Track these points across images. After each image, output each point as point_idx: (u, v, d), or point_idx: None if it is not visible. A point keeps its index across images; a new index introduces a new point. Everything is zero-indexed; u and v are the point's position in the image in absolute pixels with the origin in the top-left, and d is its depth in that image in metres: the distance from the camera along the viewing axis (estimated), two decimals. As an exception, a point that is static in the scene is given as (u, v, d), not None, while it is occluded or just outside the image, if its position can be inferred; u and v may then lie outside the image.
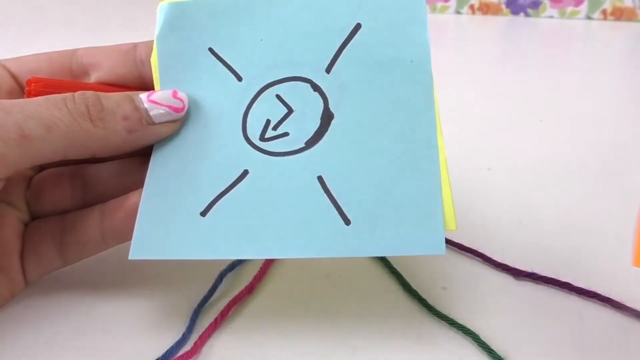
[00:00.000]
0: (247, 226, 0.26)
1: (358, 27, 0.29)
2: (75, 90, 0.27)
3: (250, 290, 0.30)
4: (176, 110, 0.28)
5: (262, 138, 0.28)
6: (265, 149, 0.28)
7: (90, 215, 0.29)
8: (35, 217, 0.30)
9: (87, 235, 0.29)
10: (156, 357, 0.26)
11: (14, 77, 0.30)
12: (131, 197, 0.28)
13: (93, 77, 0.31)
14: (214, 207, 0.27)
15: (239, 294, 0.30)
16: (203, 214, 0.27)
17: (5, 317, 0.29)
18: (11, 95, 0.30)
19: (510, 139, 0.50)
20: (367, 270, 0.32)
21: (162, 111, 0.28)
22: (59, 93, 0.28)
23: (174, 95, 0.28)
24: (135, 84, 0.31)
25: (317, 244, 0.25)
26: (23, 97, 0.29)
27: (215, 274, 0.31)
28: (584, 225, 0.36)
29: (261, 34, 0.29)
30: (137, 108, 0.27)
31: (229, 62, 0.29)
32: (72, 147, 0.26)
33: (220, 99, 0.29)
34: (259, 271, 0.31)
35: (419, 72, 0.28)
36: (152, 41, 0.30)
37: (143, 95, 0.28)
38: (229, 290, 0.31)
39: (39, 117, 0.25)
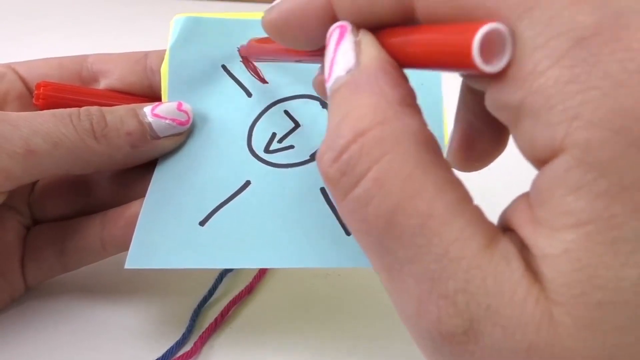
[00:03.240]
0: (246, 235, 0.26)
1: None
2: (83, 96, 0.28)
3: (250, 290, 0.31)
4: (180, 123, 0.28)
5: (267, 150, 0.28)
6: (269, 160, 0.28)
7: (91, 223, 0.29)
8: (37, 222, 0.30)
9: (87, 243, 0.29)
10: (156, 357, 0.27)
11: (23, 81, 0.30)
12: (132, 207, 0.28)
13: (102, 84, 0.31)
14: (214, 216, 0.27)
15: (239, 294, 0.30)
16: (202, 223, 0.26)
17: (5, 321, 0.29)
18: (20, 99, 0.30)
19: (510, 138, 0.50)
20: (367, 270, 0.32)
21: (166, 125, 0.28)
22: (68, 98, 0.28)
23: (179, 107, 0.28)
24: (144, 92, 0.31)
25: (317, 254, 0.25)
26: (32, 101, 0.29)
27: (215, 274, 0.31)
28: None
29: None
30: (140, 123, 0.27)
31: (240, 80, 0.30)
32: (76, 163, 0.26)
33: (227, 113, 0.29)
34: (259, 271, 0.32)
35: (429, 94, 0.28)
36: (163, 51, 0.30)
37: (147, 109, 0.28)
38: (229, 290, 0.31)
39: (45, 133, 0.25)
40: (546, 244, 0.14)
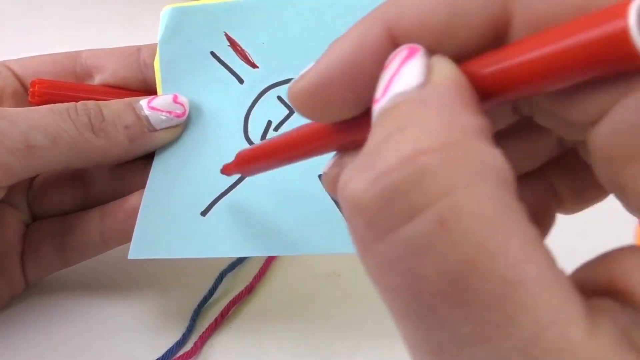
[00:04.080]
0: (248, 225, 0.26)
1: None
2: (78, 92, 0.27)
3: (250, 290, 0.30)
4: (177, 115, 0.28)
5: (264, 139, 0.28)
6: None
7: (90, 217, 0.29)
8: (36, 218, 0.30)
9: (87, 237, 0.29)
10: (156, 357, 0.26)
11: (18, 78, 0.30)
12: (131, 199, 0.28)
13: (97, 80, 0.31)
14: (215, 206, 0.27)
15: (239, 294, 0.30)
16: (203, 213, 0.27)
17: (5, 318, 0.29)
18: (15, 96, 0.30)
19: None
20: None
21: (163, 117, 0.28)
22: (63, 94, 0.28)
23: (175, 100, 0.28)
24: (138, 86, 0.31)
25: (318, 240, 0.25)
26: (27, 98, 0.29)
27: (215, 274, 0.31)
28: (584, 225, 0.36)
29: (262, 37, 0.29)
30: (138, 116, 0.27)
31: (230, 66, 0.29)
32: (75, 158, 0.26)
33: (222, 102, 0.29)
34: (259, 271, 0.31)
35: None
36: (156, 44, 0.30)
37: (144, 102, 0.28)
38: (229, 290, 0.31)
39: (44, 128, 0.25)
40: None
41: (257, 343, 0.28)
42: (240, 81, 0.29)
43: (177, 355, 0.27)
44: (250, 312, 0.30)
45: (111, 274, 0.32)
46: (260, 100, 0.29)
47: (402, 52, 0.13)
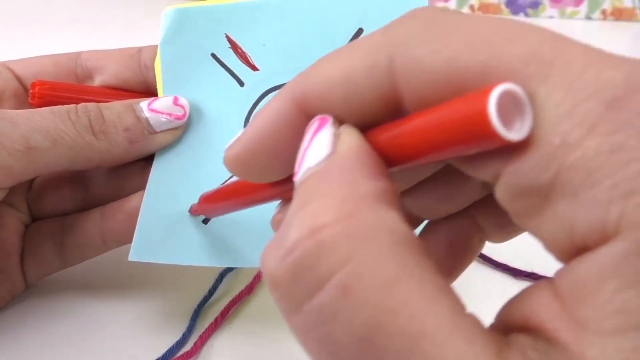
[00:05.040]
0: (249, 235, 0.26)
1: (360, 32, 0.28)
2: (79, 94, 0.28)
3: (250, 290, 0.30)
4: (177, 117, 0.28)
5: None
6: None
7: (90, 217, 0.29)
8: (35, 218, 0.30)
9: (87, 237, 0.29)
10: (156, 357, 0.26)
11: (19, 79, 0.30)
12: (131, 200, 0.28)
13: (97, 81, 0.31)
14: None
15: (239, 294, 0.30)
16: (205, 221, 0.27)
17: (5, 318, 0.29)
18: (16, 97, 0.30)
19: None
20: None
21: (163, 119, 0.28)
22: (63, 96, 0.28)
23: (175, 102, 0.28)
24: (139, 88, 0.31)
25: None
26: (28, 99, 0.29)
27: (215, 274, 0.31)
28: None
29: (263, 40, 0.29)
30: (138, 118, 0.27)
31: (231, 68, 0.29)
32: (76, 160, 0.26)
33: (222, 104, 0.29)
34: (259, 271, 0.31)
35: None
36: (157, 46, 0.30)
37: (144, 104, 0.28)
38: (229, 290, 0.31)
39: (45, 130, 0.25)
40: (597, 352, 0.11)
41: (257, 343, 0.28)
42: (241, 84, 0.29)
43: (177, 355, 0.27)
44: (250, 312, 0.30)
45: (111, 274, 0.32)
46: (261, 103, 0.29)
47: (314, 123, 0.15)
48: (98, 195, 0.30)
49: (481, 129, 0.12)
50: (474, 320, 0.12)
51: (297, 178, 0.14)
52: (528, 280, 0.31)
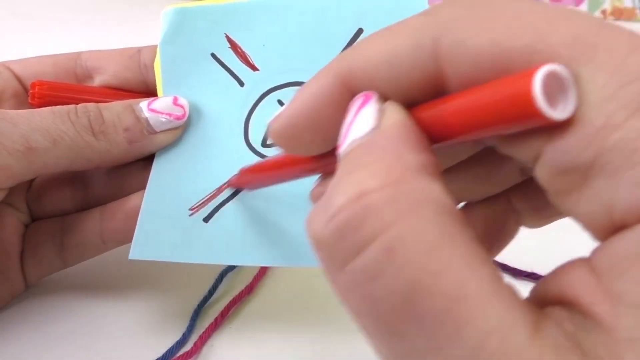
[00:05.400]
0: (250, 233, 0.26)
1: (360, 32, 0.28)
2: (78, 94, 0.28)
3: (250, 290, 0.30)
4: (177, 117, 0.28)
5: (264, 144, 0.28)
6: (268, 155, 0.28)
7: (90, 217, 0.29)
8: (35, 218, 0.30)
9: (86, 237, 0.29)
10: (156, 357, 0.26)
11: (18, 79, 0.30)
12: (131, 200, 0.28)
13: (97, 81, 0.31)
14: (217, 213, 0.27)
15: (239, 294, 0.30)
16: (206, 220, 0.27)
17: (5, 318, 0.29)
18: (16, 97, 0.30)
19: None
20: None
21: (163, 119, 0.28)
22: (63, 96, 0.28)
23: (175, 102, 0.28)
24: (139, 88, 0.31)
25: None
26: (28, 99, 0.29)
27: (215, 274, 0.31)
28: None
29: (263, 40, 0.29)
30: (137, 118, 0.27)
31: (231, 68, 0.29)
32: (76, 160, 0.26)
33: (222, 105, 0.29)
34: (259, 271, 0.32)
35: None
36: (156, 46, 0.30)
37: (143, 104, 0.28)
38: (229, 290, 0.31)
39: (45, 130, 0.25)
40: (631, 324, 0.11)
41: (257, 343, 0.28)
42: (241, 84, 0.29)
43: (177, 355, 0.27)
44: (250, 312, 0.30)
45: (111, 274, 0.32)
46: (261, 104, 0.29)
47: (359, 99, 0.15)
48: (98, 195, 0.30)
49: (527, 107, 0.12)
50: (512, 290, 0.12)
51: (342, 149, 0.15)
52: (528, 280, 0.31)
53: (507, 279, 0.32)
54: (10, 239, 0.29)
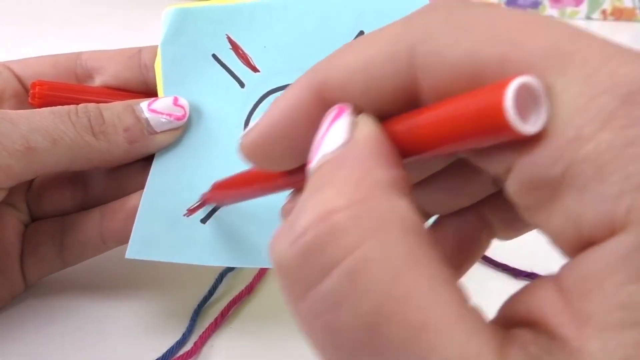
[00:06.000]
0: (247, 235, 0.26)
1: (361, 34, 0.28)
2: (79, 94, 0.27)
3: (250, 290, 0.30)
4: (177, 118, 0.28)
5: None
6: None
7: (90, 217, 0.29)
8: (35, 218, 0.30)
9: (86, 237, 0.29)
10: (156, 357, 0.26)
11: (19, 79, 0.30)
12: (131, 199, 0.28)
13: (97, 81, 0.31)
14: (215, 214, 0.27)
15: (239, 294, 0.30)
16: (203, 221, 0.27)
17: (5, 318, 0.29)
18: (16, 97, 0.30)
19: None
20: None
21: (163, 120, 0.28)
22: (63, 96, 0.28)
23: (175, 102, 0.28)
24: (139, 88, 0.31)
25: None
26: (28, 99, 0.29)
27: (215, 274, 0.31)
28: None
29: (264, 41, 0.29)
30: (138, 118, 0.27)
31: (232, 69, 0.29)
32: (76, 160, 0.26)
33: (222, 105, 0.29)
34: (259, 271, 0.32)
35: None
36: (157, 46, 0.30)
37: (144, 104, 0.28)
38: (229, 290, 0.31)
39: (44, 130, 0.25)
40: (598, 347, 0.10)
41: (257, 343, 0.28)
42: (241, 85, 0.29)
43: (177, 355, 0.27)
44: (250, 312, 0.30)
45: (111, 274, 0.32)
46: (261, 104, 0.29)
47: (332, 111, 0.15)
48: (98, 195, 0.30)
49: (497, 121, 0.12)
50: (477, 314, 0.12)
51: (312, 165, 0.14)
52: (528, 280, 0.31)
53: (507, 279, 0.32)
54: (10, 238, 0.29)
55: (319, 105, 0.15)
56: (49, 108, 0.26)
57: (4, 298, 0.29)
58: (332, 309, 0.12)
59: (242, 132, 0.28)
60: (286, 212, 0.19)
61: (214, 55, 0.30)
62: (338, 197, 0.13)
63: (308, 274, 0.12)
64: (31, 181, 0.31)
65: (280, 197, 0.26)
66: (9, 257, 0.29)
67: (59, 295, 0.30)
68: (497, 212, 0.19)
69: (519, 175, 0.13)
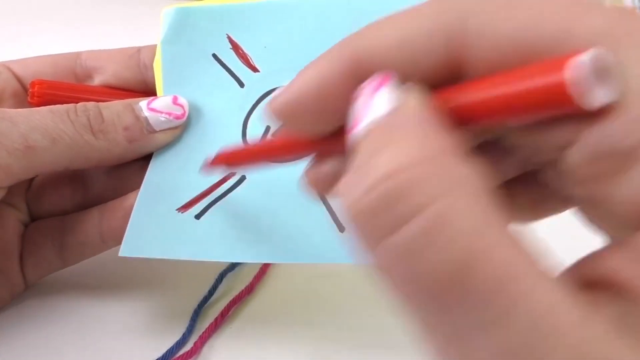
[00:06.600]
0: (241, 230, 0.26)
1: None
2: (78, 93, 0.27)
3: (250, 290, 0.30)
4: (177, 117, 0.28)
5: None
6: None
7: (89, 216, 0.29)
8: (34, 218, 0.30)
9: (86, 236, 0.29)
10: (156, 357, 0.26)
11: (18, 79, 0.30)
12: (130, 198, 0.28)
13: (97, 80, 0.31)
14: (209, 210, 0.27)
15: (239, 294, 0.30)
16: (198, 217, 0.27)
17: (5, 318, 0.29)
18: (16, 97, 0.30)
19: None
20: (366, 269, 0.32)
21: (162, 119, 0.28)
22: (63, 95, 0.28)
23: (174, 101, 0.28)
24: (138, 87, 0.31)
25: (311, 250, 0.25)
26: (27, 99, 0.29)
27: (215, 274, 0.31)
28: (584, 224, 0.36)
29: (264, 41, 0.29)
30: (137, 117, 0.27)
31: (231, 69, 0.29)
32: (75, 159, 0.26)
33: (222, 105, 0.29)
34: (259, 271, 0.31)
35: None
36: (156, 45, 0.30)
37: (143, 103, 0.28)
38: (229, 290, 0.31)
39: (44, 129, 0.25)
40: None
41: (257, 343, 0.28)
42: (241, 84, 0.29)
43: (177, 355, 0.27)
44: (250, 312, 0.30)
45: (111, 274, 0.32)
46: (260, 104, 0.29)
47: (375, 79, 0.15)
48: (97, 194, 0.30)
49: (569, 93, 0.12)
50: (555, 273, 0.12)
51: (358, 131, 0.14)
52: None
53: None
54: (10, 238, 0.29)
55: (350, 76, 0.15)
56: (48, 107, 0.26)
57: (4, 298, 0.29)
58: (415, 254, 0.12)
59: (239, 132, 0.28)
60: (311, 177, 0.18)
61: (214, 55, 0.30)
62: (408, 155, 0.13)
63: (387, 220, 0.12)
64: (30, 181, 0.31)
65: (278, 196, 0.27)
66: (9, 256, 0.29)
67: (59, 295, 0.30)
68: (523, 194, 0.19)
69: (585, 147, 0.13)
